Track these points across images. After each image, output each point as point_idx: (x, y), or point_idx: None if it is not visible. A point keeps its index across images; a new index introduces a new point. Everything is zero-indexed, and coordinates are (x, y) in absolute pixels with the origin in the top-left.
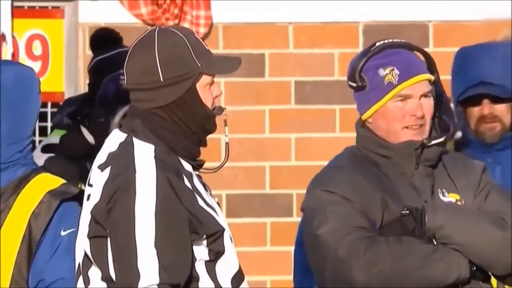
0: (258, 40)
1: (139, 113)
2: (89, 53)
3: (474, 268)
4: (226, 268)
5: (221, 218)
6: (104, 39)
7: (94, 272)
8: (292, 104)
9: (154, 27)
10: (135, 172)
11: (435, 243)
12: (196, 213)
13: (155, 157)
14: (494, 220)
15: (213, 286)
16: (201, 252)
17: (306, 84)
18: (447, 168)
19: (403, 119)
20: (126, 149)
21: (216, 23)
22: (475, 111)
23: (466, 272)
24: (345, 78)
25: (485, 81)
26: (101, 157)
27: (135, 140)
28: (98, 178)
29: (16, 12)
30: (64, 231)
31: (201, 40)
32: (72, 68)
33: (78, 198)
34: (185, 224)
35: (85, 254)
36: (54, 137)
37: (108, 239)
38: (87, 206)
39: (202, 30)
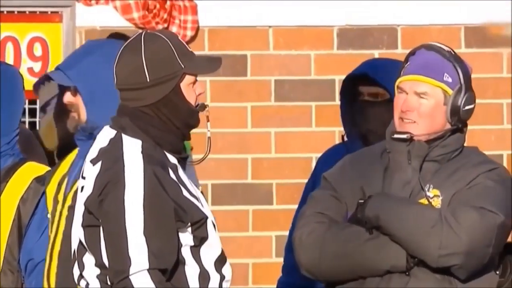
0: (240, 42)
1: (127, 111)
2: None
3: (415, 258)
4: (209, 252)
5: (205, 207)
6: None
7: (88, 259)
8: (272, 101)
9: (140, 31)
10: (124, 166)
11: (373, 232)
12: (181, 203)
13: (142, 152)
14: (430, 216)
15: (198, 269)
16: (186, 238)
17: (284, 83)
18: (450, 164)
19: (399, 110)
20: (115, 144)
21: (202, 26)
22: None
23: (401, 261)
24: (320, 77)
25: None
26: (93, 152)
27: (124, 136)
28: (90, 171)
29: (19, 16)
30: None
31: (184, 43)
32: None
33: None
34: (171, 213)
35: (80, 242)
36: None
37: (101, 228)
38: (81, 197)
39: (189, 33)
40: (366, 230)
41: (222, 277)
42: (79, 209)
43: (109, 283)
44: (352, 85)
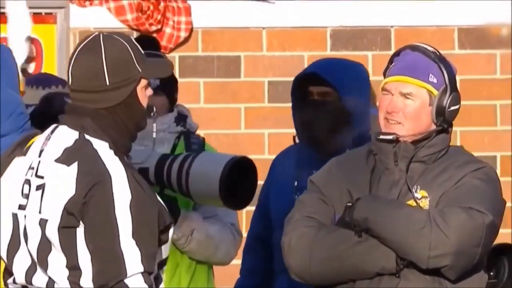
0: (234, 44)
1: (87, 112)
2: None
3: (405, 260)
4: (160, 255)
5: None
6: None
7: (56, 259)
8: (266, 102)
9: (97, 33)
10: (106, 167)
11: (362, 235)
12: (159, 206)
13: (115, 153)
14: (419, 217)
15: (156, 271)
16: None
17: (278, 84)
18: (436, 165)
19: (384, 111)
20: (85, 145)
21: (196, 28)
22: None
23: (390, 263)
24: None
25: None
26: (54, 151)
27: (88, 137)
28: (60, 171)
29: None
30: None
31: (138, 46)
32: (63, 68)
33: None
34: (156, 215)
35: (44, 240)
36: None
37: (79, 230)
38: (40, 196)
39: (183, 34)
40: (355, 233)
41: (162, 280)
42: (51, 210)
43: (85, 284)
44: (304, 85)
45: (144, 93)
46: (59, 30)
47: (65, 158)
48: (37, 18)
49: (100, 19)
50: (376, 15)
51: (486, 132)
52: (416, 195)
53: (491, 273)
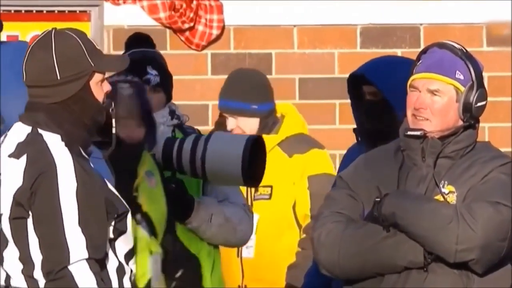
0: (265, 41)
1: (41, 107)
2: (113, 52)
3: (433, 254)
4: (123, 245)
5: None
6: (131, 40)
7: (11, 253)
8: (296, 99)
9: (50, 29)
10: (53, 158)
11: (390, 229)
12: (108, 195)
13: (66, 145)
14: (446, 212)
15: (117, 262)
16: (109, 230)
17: (308, 81)
18: (463, 160)
19: (412, 108)
20: (36, 138)
21: (227, 25)
22: None
23: (418, 257)
24: (344, 75)
25: None
26: (8, 147)
27: (41, 131)
28: (11, 165)
29: (48, 15)
30: None
31: (93, 41)
32: None
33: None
34: (103, 204)
35: (1, 234)
36: None
37: (29, 220)
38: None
39: (215, 32)
40: (383, 228)
41: (131, 271)
42: (4, 203)
43: (38, 276)
44: (358, 85)
45: (99, 87)
46: (93, 28)
47: (17, 152)
48: (72, 16)
49: (133, 17)
50: (405, 13)
51: None
52: (443, 190)
53: None
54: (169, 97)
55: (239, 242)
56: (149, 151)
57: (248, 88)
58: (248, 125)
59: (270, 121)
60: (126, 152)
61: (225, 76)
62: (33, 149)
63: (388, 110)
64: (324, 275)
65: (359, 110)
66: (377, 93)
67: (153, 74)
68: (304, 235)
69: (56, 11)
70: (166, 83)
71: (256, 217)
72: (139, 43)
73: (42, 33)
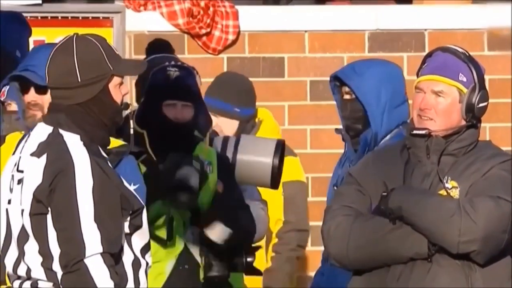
0: (278, 46)
1: (62, 108)
2: (134, 56)
3: (437, 246)
4: (139, 240)
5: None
6: (152, 46)
7: (31, 246)
8: (308, 100)
9: (72, 35)
10: (71, 157)
11: (396, 222)
12: (124, 192)
13: (84, 144)
14: (449, 206)
15: (132, 256)
16: (125, 225)
17: (319, 83)
18: (466, 157)
19: (417, 108)
20: (56, 138)
21: (243, 31)
22: None
23: (423, 249)
24: None
25: None
26: (31, 146)
27: (61, 131)
28: (32, 164)
29: (73, 21)
30: (134, 185)
31: (112, 46)
32: None
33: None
34: (118, 200)
35: (23, 229)
36: None
37: (48, 216)
38: (20, 189)
39: (231, 37)
40: (390, 220)
41: (147, 264)
42: (25, 199)
43: (56, 268)
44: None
45: (118, 90)
46: (116, 33)
47: (38, 151)
48: (95, 22)
49: (154, 23)
50: (411, 19)
51: None
52: (446, 185)
53: None
54: None
55: (257, 239)
56: (200, 132)
57: (233, 91)
58: (228, 126)
59: (249, 125)
60: (173, 131)
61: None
62: (53, 149)
63: (358, 108)
64: (328, 274)
65: (340, 108)
66: (350, 92)
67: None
68: (277, 240)
69: (80, 17)
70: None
71: None
72: (160, 49)
73: (65, 38)
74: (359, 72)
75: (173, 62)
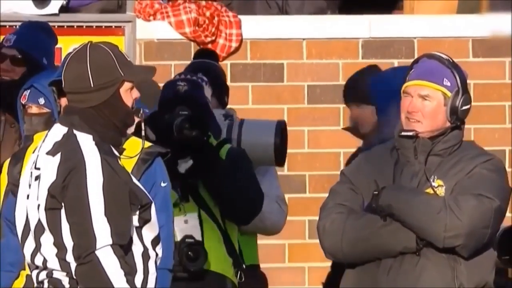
0: (278, 53)
1: (76, 110)
2: (144, 62)
3: (424, 241)
4: (149, 233)
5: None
6: (198, 53)
7: (47, 239)
8: (305, 104)
9: (86, 43)
10: (83, 156)
11: (386, 219)
12: (133, 188)
13: (95, 144)
14: (435, 203)
15: (142, 248)
16: (134, 219)
17: (316, 88)
18: (451, 157)
19: (405, 111)
20: (70, 138)
21: (245, 39)
22: None
23: (411, 243)
24: None
25: None
26: (47, 145)
27: (75, 131)
28: (48, 162)
29: (87, 30)
30: (163, 183)
31: (124, 53)
32: None
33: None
34: (127, 196)
35: (39, 223)
36: None
37: (62, 211)
38: (37, 185)
39: (234, 45)
40: (381, 217)
41: (157, 255)
42: (41, 194)
43: (70, 259)
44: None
45: (128, 94)
46: (127, 41)
47: (53, 150)
48: (108, 30)
49: (162, 31)
50: (402, 28)
51: (496, 129)
52: (433, 184)
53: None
54: (220, 102)
55: (270, 230)
56: (215, 139)
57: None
58: None
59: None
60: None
61: (243, 83)
62: (66, 148)
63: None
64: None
65: None
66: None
67: (202, 80)
68: None
69: (94, 27)
70: (215, 89)
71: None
72: (203, 56)
73: (79, 46)
74: None
75: (182, 76)
